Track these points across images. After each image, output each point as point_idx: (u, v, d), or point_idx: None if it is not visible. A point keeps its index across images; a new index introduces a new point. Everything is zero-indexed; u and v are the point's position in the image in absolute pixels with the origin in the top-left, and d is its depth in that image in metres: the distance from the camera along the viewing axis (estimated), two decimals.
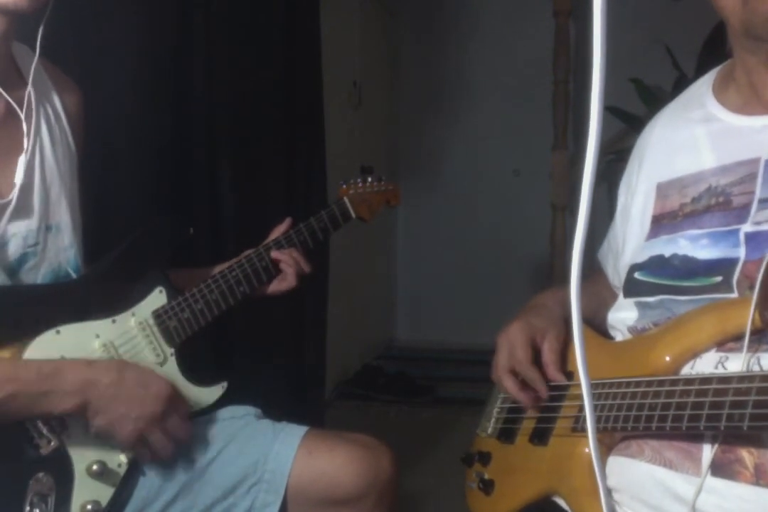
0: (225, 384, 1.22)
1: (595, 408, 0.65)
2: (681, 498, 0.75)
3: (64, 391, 0.99)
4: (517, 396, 0.97)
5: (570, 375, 0.96)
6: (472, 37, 3.92)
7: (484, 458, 1.04)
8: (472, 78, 3.98)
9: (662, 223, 0.90)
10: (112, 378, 1.03)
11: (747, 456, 0.71)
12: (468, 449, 1.09)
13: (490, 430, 1.06)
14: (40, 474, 1.01)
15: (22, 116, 1.09)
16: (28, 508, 0.99)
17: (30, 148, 1.10)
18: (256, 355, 2.07)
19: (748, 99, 0.87)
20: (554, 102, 3.45)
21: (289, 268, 1.31)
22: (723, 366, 0.75)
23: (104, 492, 1.07)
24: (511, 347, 0.98)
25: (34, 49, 1.11)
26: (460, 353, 3.71)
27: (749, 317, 0.72)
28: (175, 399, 1.10)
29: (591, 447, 0.52)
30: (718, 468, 0.73)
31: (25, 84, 1.12)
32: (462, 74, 3.99)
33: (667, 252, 0.86)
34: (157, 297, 1.19)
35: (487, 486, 1.01)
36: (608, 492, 0.83)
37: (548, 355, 0.97)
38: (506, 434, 1.03)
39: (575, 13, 3.43)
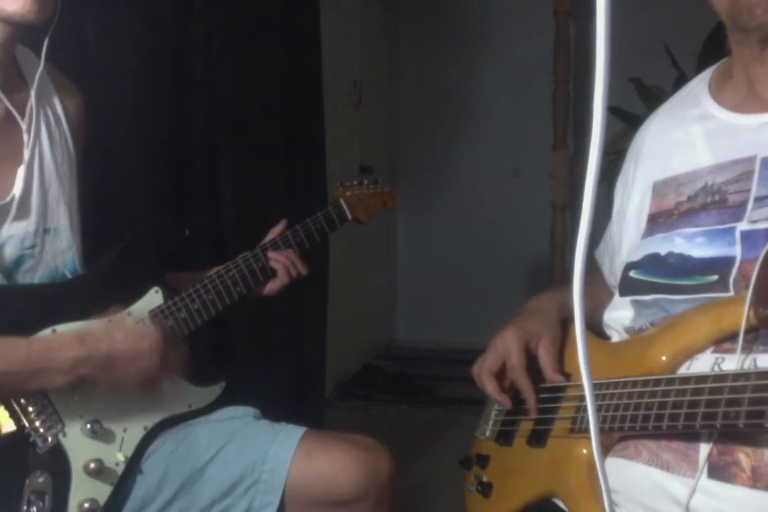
0: (223, 384, 1.22)
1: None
2: (678, 500, 0.75)
3: (56, 369, 0.99)
4: (497, 398, 0.98)
5: (567, 376, 0.96)
6: (472, 36, 3.92)
7: (483, 461, 1.04)
8: (472, 78, 3.98)
9: (658, 221, 0.90)
10: (104, 349, 1.03)
11: (744, 458, 0.71)
12: (466, 452, 1.09)
13: (488, 433, 1.06)
14: (38, 472, 1.01)
15: (23, 126, 1.10)
16: (25, 506, 0.99)
17: (29, 158, 1.10)
18: (256, 355, 2.06)
19: (745, 96, 0.86)
20: (554, 102, 3.44)
21: (284, 269, 1.31)
22: (719, 368, 0.75)
23: (102, 491, 1.07)
24: (505, 352, 0.97)
25: (36, 53, 1.11)
26: (460, 353, 3.70)
27: (744, 314, 0.71)
28: (168, 345, 1.09)
29: (593, 448, 0.51)
30: (715, 471, 0.72)
31: (27, 87, 1.12)
32: (462, 74, 3.99)
33: (663, 250, 0.86)
34: (154, 297, 1.19)
35: (485, 489, 1.01)
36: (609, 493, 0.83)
37: (545, 358, 0.96)
38: (504, 436, 1.03)
39: (575, 13, 3.42)
